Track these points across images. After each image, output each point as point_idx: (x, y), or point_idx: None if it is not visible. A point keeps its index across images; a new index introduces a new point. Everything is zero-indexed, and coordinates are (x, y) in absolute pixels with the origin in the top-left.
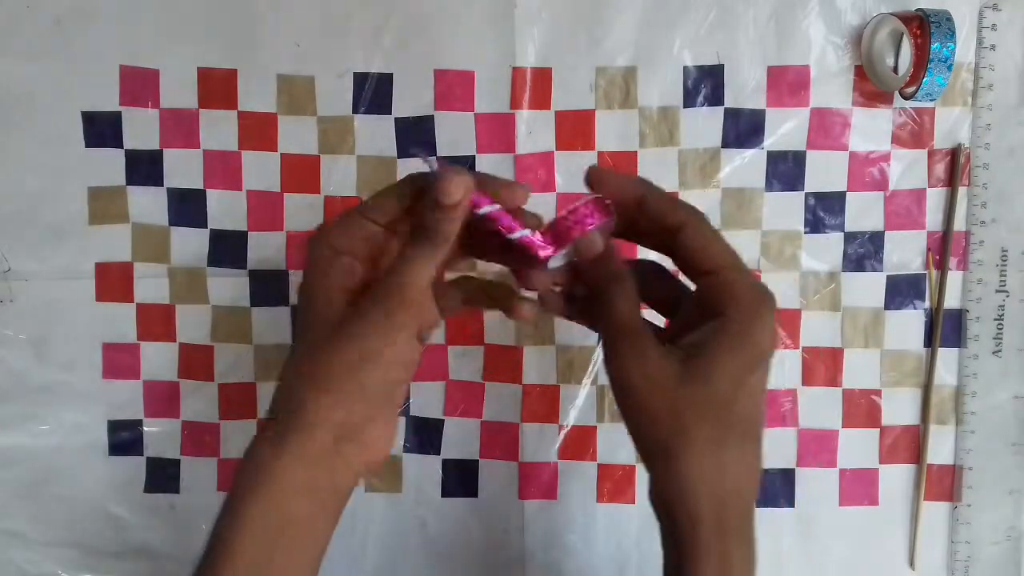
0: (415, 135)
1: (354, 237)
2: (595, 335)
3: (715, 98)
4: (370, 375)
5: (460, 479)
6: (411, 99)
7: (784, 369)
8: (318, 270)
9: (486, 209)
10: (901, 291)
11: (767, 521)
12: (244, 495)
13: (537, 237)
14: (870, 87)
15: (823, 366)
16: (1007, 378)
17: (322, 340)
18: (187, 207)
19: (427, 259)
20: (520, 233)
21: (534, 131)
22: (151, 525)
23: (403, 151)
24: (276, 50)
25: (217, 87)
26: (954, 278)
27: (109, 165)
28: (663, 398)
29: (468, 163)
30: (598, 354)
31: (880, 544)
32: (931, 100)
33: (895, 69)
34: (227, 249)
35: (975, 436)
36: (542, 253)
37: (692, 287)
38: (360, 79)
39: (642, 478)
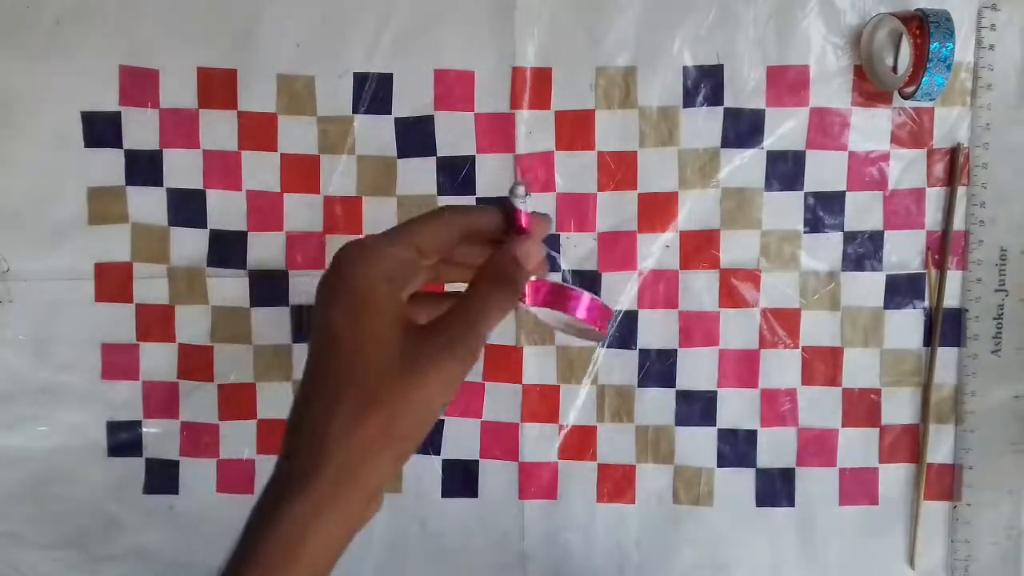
0: (415, 135)
1: (404, 265)
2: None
3: (715, 98)
4: (433, 416)
5: (460, 479)
6: (411, 99)
7: (784, 369)
8: (371, 306)
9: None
10: (901, 291)
11: (767, 521)
12: (285, 559)
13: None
14: (869, 87)
15: (823, 366)
16: (1007, 377)
17: (387, 384)
18: (187, 207)
19: (504, 310)
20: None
21: (534, 131)
22: (150, 526)
23: (403, 151)
24: (276, 50)
25: (217, 87)
26: (953, 277)
27: (109, 165)
28: None
29: (468, 163)
30: (598, 354)
31: (880, 544)
32: (930, 100)
33: (894, 69)
34: (227, 249)
35: (975, 435)
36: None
37: None
38: (360, 79)
39: (642, 478)
